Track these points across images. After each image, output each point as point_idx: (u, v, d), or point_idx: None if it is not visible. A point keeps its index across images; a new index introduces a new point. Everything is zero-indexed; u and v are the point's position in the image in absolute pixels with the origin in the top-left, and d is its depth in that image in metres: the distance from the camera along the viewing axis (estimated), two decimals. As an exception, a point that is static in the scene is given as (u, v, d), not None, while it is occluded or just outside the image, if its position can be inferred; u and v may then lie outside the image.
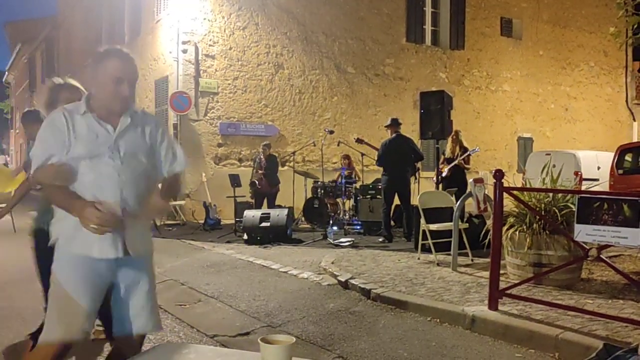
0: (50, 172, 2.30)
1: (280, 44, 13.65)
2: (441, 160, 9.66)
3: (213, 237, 9.64)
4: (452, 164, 9.14)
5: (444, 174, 9.23)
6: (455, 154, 9.25)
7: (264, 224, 8.92)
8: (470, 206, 6.48)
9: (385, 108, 14.90)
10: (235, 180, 10.29)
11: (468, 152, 9.27)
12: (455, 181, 9.09)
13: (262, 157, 11.04)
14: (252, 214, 9.13)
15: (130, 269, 2.41)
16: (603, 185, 10.61)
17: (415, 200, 8.01)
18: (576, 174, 11.87)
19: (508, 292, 4.66)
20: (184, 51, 12.50)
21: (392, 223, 9.43)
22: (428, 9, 16.32)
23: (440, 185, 9.17)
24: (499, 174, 4.65)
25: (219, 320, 4.82)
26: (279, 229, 8.90)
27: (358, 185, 10.91)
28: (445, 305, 4.80)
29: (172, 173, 2.53)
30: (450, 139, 9.41)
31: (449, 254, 6.50)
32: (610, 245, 4.16)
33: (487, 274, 4.85)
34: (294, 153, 11.79)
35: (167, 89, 13.07)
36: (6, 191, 5.04)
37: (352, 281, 5.79)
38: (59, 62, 24.23)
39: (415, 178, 9.71)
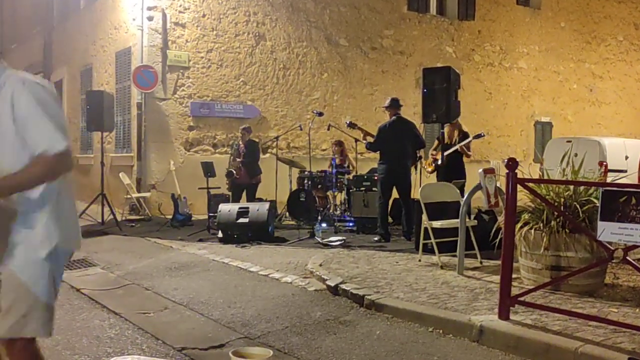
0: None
1: (262, 12, 13.56)
2: (435, 145, 9.67)
3: (183, 234, 9.60)
4: (450, 150, 9.07)
5: (439, 162, 9.23)
6: (454, 140, 9.23)
7: (241, 220, 8.90)
8: (480, 200, 6.50)
9: (383, 86, 14.90)
10: (208, 169, 10.25)
11: (470, 138, 9.24)
12: (454, 171, 9.06)
13: (240, 142, 10.99)
14: (228, 209, 9.11)
15: None
16: (631, 177, 10.67)
17: (416, 193, 8.02)
18: (601, 164, 11.94)
19: (521, 299, 4.68)
20: (150, 18, 12.38)
21: (390, 220, 9.44)
22: (433, -27, 16.32)
23: (435, 175, 9.23)
24: (512, 164, 4.66)
25: (189, 331, 4.81)
26: (259, 226, 8.89)
27: (351, 176, 10.91)
28: (450, 314, 4.82)
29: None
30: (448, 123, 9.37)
31: (455, 256, 6.53)
32: (638, 246, 4.19)
33: (497, 278, 4.87)
34: (277, 138, 11.74)
35: (130, 62, 12.95)
36: None
37: (343, 286, 5.80)
38: (3, 30, 23.96)
39: (416, 168, 9.72)
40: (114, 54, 13.94)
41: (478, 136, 9.59)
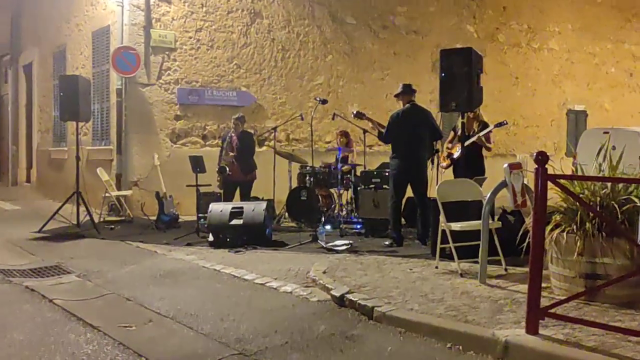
0: None
1: (258, -15, 13.57)
2: (450, 136, 9.67)
3: (168, 238, 9.63)
4: (468, 141, 9.01)
5: (455, 156, 9.23)
6: (472, 131, 9.23)
7: (235, 222, 8.94)
8: (504, 199, 6.50)
9: (395, 70, 14.89)
10: (197, 164, 10.27)
11: (490, 127, 9.23)
12: (472, 166, 9.02)
13: (233, 134, 10.99)
14: (219, 209, 9.14)
15: None
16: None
17: (432, 191, 8.02)
18: (642, 158, 11.91)
19: (552, 311, 4.68)
20: (131, -7, 12.40)
21: (403, 221, 9.44)
22: (452, -59, 16.30)
23: (452, 171, 9.23)
24: (542, 158, 4.66)
25: (176, 347, 4.82)
26: (254, 229, 8.92)
27: (359, 172, 10.91)
28: (471, 328, 4.82)
29: None
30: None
31: (476, 262, 6.53)
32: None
33: (524, 287, 4.87)
34: (275, 129, 11.76)
35: (109, 43, 12.96)
36: None
37: (350, 296, 5.81)
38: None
39: (432, 163, 9.72)
40: (90, 33, 13.95)
41: (500, 124, 9.54)
